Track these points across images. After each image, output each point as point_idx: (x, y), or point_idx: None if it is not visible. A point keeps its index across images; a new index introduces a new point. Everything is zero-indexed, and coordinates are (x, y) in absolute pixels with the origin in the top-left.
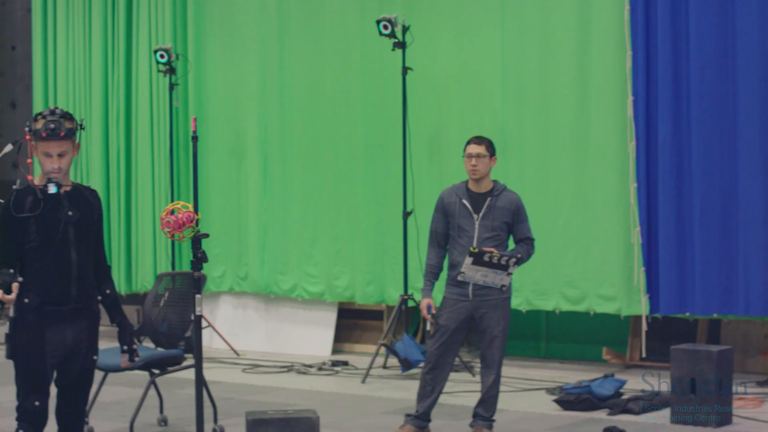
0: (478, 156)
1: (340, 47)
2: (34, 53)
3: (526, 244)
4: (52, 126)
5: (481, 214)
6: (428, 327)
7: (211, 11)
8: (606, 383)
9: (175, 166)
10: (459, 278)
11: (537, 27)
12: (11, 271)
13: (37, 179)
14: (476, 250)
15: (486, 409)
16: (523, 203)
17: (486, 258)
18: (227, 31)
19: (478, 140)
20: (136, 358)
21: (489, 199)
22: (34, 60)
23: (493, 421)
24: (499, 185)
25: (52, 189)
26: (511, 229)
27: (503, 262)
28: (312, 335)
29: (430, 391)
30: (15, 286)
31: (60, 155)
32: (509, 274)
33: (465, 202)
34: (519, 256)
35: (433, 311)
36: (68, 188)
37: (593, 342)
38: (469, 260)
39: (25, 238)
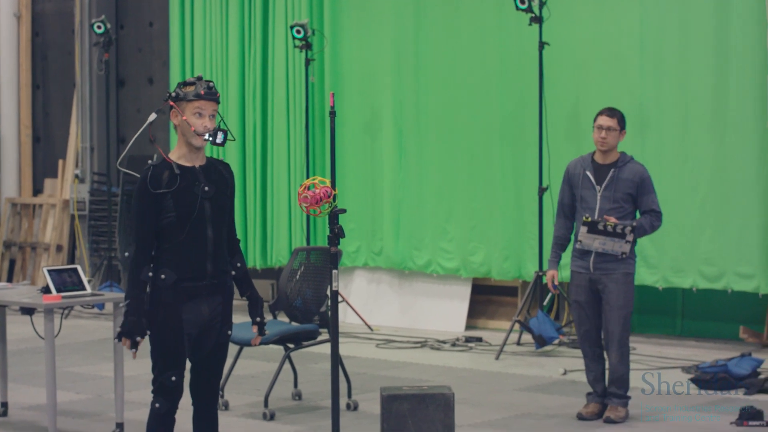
0: (608, 129)
1: (476, 21)
2: (171, 29)
3: (651, 216)
4: (210, 85)
5: (603, 186)
6: (545, 301)
7: None
8: (743, 362)
9: (310, 141)
10: (577, 246)
11: (676, 1)
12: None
13: (173, 153)
14: (589, 219)
15: (618, 386)
16: (649, 175)
17: (600, 227)
18: (363, 6)
19: (611, 112)
20: (266, 332)
21: (612, 170)
22: (171, 36)
23: (628, 398)
24: (626, 156)
25: (219, 138)
26: (636, 201)
27: (618, 230)
28: (446, 311)
29: (593, 368)
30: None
31: (211, 116)
32: (627, 242)
33: (588, 173)
34: (634, 224)
35: (557, 283)
36: (202, 163)
37: (730, 320)
38: (584, 229)
39: (162, 214)
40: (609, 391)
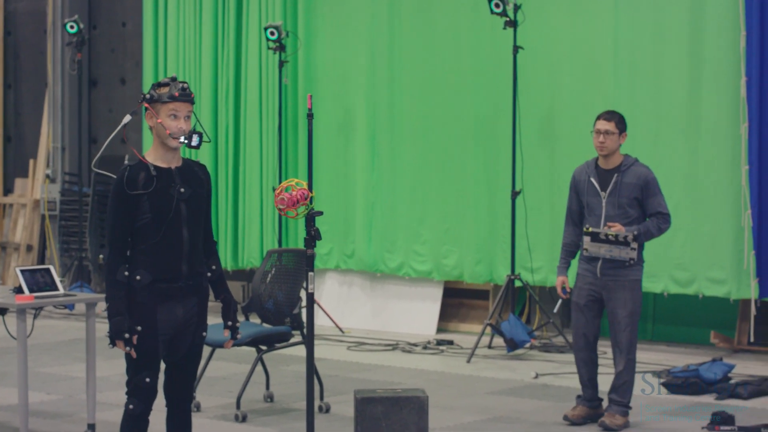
0: (606, 132)
1: (450, 25)
2: (144, 30)
3: (657, 218)
4: (184, 86)
5: (608, 191)
6: (555, 309)
7: None
8: (714, 367)
9: (283, 143)
10: (584, 254)
11: (650, 6)
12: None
13: (149, 154)
14: (590, 230)
15: (620, 395)
16: (654, 176)
17: (602, 236)
18: (337, 8)
19: (609, 116)
20: (238, 336)
21: (616, 175)
22: (144, 36)
23: (629, 408)
24: (629, 159)
25: (194, 141)
26: (641, 205)
27: (621, 239)
28: (417, 314)
29: (584, 373)
30: (134, 338)
31: (186, 118)
32: (633, 248)
33: (593, 179)
34: (635, 232)
35: (568, 290)
36: (179, 164)
37: (701, 325)
38: (587, 239)
39: (137, 216)
40: (610, 397)
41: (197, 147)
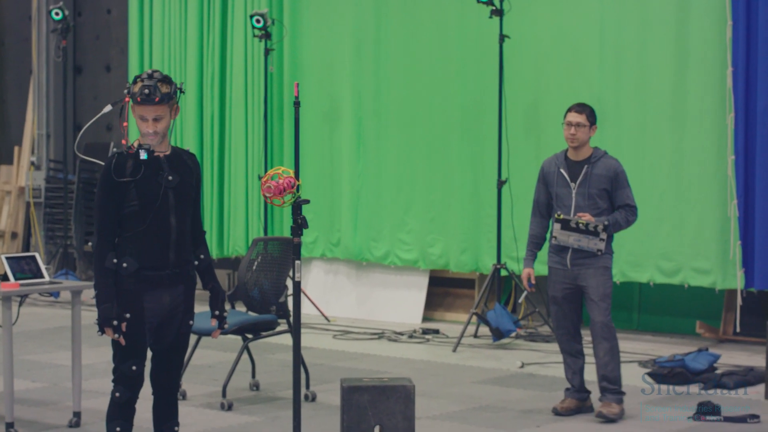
0: (577, 125)
1: (436, 14)
2: (130, 17)
3: (625, 210)
4: (146, 91)
5: (577, 182)
6: (520, 299)
7: None
8: (700, 357)
9: (269, 131)
10: (553, 242)
11: None
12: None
13: (135, 143)
14: (561, 217)
15: (611, 381)
16: (623, 169)
17: (572, 224)
18: None
19: (580, 108)
20: (226, 326)
21: (586, 166)
22: (129, 23)
23: (623, 393)
24: (599, 152)
25: (142, 155)
26: (611, 197)
27: (591, 228)
28: (403, 303)
29: (570, 364)
30: (123, 325)
31: (155, 119)
32: (602, 239)
33: (562, 171)
34: (606, 223)
35: (533, 281)
36: (167, 152)
37: (687, 315)
38: (557, 226)
39: (125, 203)
40: (602, 386)
41: (144, 161)
